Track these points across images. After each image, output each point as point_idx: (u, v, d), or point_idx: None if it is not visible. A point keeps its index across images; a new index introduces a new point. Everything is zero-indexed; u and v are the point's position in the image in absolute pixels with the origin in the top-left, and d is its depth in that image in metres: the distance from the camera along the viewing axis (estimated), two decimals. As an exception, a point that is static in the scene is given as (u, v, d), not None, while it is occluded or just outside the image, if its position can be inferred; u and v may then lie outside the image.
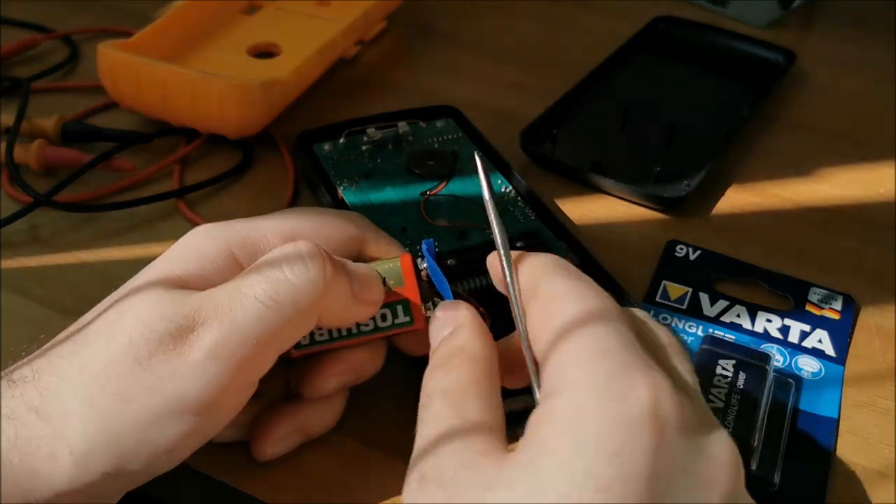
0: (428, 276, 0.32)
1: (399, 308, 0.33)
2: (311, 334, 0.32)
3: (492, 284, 0.38)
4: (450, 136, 0.50)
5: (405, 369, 0.35)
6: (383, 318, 0.33)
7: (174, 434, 0.28)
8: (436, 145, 0.49)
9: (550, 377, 0.25)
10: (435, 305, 0.32)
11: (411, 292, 0.32)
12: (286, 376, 0.34)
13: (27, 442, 0.27)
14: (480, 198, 0.45)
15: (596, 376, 0.24)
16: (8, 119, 0.49)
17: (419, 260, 0.33)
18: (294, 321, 0.29)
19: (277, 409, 0.33)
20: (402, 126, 0.49)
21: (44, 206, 0.45)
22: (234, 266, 0.31)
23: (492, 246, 0.39)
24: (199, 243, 0.31)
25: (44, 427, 0.27)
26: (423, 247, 0.32)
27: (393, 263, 0.33)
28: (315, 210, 0.34)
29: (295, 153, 0.49)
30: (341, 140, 0.49)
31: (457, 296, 0.33)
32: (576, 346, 0.25)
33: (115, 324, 0.29)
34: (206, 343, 0.28)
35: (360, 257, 0.33)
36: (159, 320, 0.28)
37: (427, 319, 0.32)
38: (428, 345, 0.30)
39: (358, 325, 0.32)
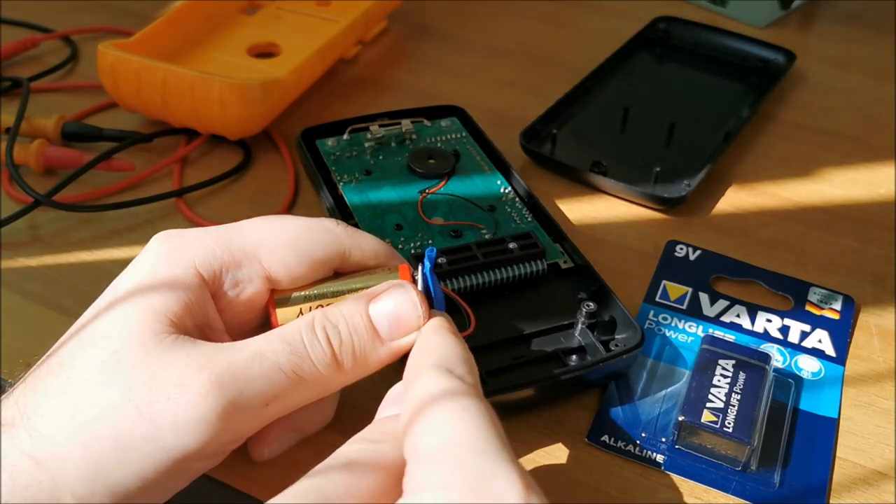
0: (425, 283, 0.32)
1: None
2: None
3: (482, 284, 0.39)
4: (453, 136, 0.50)
5: (401, 371, 0.35)
6: None
7: (168, 479, 0.28)
8: (438, 144, 0.49)
9: (417, 474, 0.25)
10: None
11: None
12: None
13: (24, 487, 0.26)
14: (478, 198, 0.45)
15: (463, 475, 0.23)
16: (8, 119, 0.49)
17: (415, 272, 0.32)
18: (312, 394, 0.29)
19: None
20: (406, 124, 0.49)
21: (44, 206, 0.45)
22: (202, 288, 0.30)
23: (489, 245, 0.40)
24: (169, 268, 0.30)
25: (41, 472, 0.27)
26: (427, 255, 0.31)
27: (393, 278, 0.31)
28: (288, 224, 0.32)
29: (297, 147, 0.49)
30: (345, 136, 0.49)
31: (449, 297, 0.33)
32: (438, 437, 0.25)
33: (110, 368, 0.28)
34: (216, 401, 0.27)
35: (342, 266, 0.32)
36: (161, 367, 0.27)
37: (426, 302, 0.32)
38: None
39: None
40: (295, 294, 0.32)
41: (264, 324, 0.32)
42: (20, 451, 0.27)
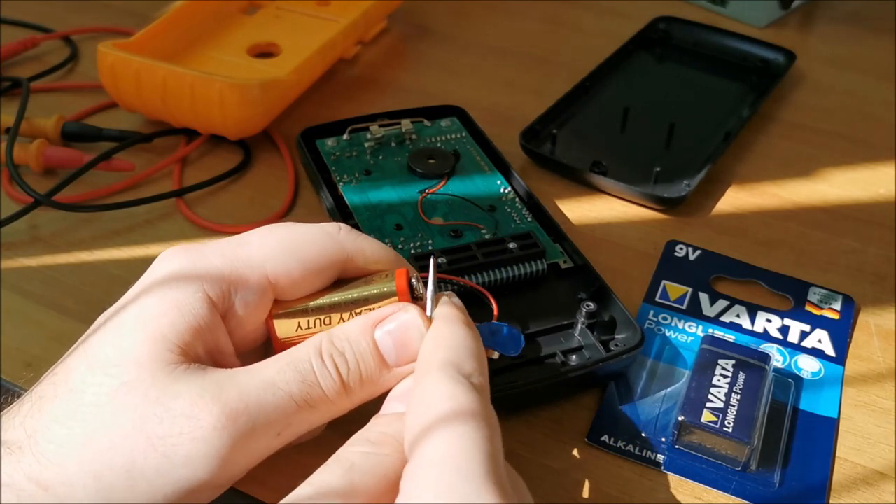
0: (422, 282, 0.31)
1: None
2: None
3: (482, 284, 0.39)
4: (453, 136, 0.50)
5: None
6: None
7: None
8: (438, 144, 0.49)
9: (410, 484, 0.25)
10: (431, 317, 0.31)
11: None
12: None
13: None
14: (478, 198, 0.45)
15: (448, 496, 0.24)
16: (8, 119, 0.49)
17: (413, 279, 0.31)
18: (320, 418, 0.29)
19: None
20: (406, 124, 0.49)
21: (44, 206, 0.45)
22: (212, 311, 0.29)
23: (489, 245, 0.40)
24: (179, 293, 0.29)
25: (48, 497, 0.26)
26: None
27: (388, 287, 0.31)
28: (291, 231, 0.31)
29: (297, 147, 0.49)
30: (345, 136, 0.49)
31: (468, 288, 0.32)
32: (434, 449, 0.25)
33: (121, 398, 0.27)
34: (229, 435, 0.27)
35: (345, 272, 0.32)
36: (173, 399, 0.27)
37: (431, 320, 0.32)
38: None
39: None
40: (293, 307, 0.31)
41: (267, 339, 0.32)
42: (27, 475, 0.27)
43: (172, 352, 0.28)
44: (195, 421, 0.27)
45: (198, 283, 0.29)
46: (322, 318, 0.31)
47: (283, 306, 0.31)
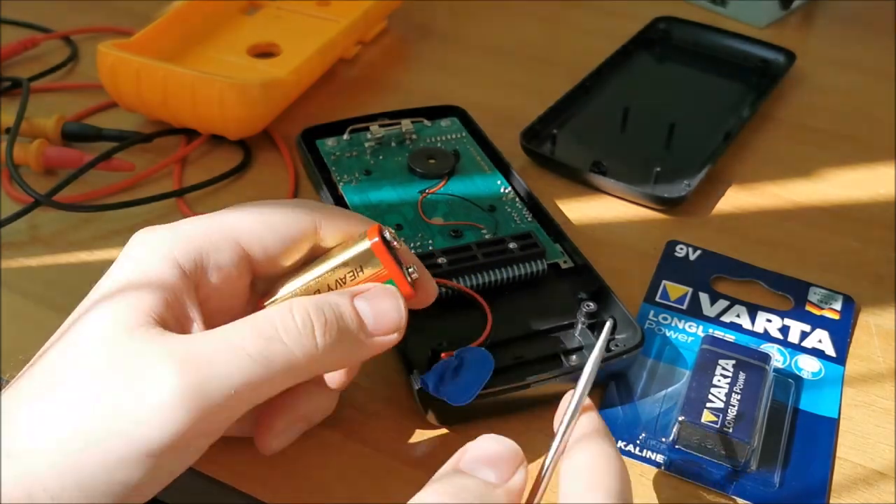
0: (396, 241, 0.31)
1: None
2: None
3: (482, 284, 0.39)
4: (453, 136, 0.50)
5: (401, 371, 0.35)
6: None
7: (140, 475, 0.27)
8: (438, 144, 0.49)
9: None
10: (412, 269, 0.32)
11: (391, 269, 0.31)
12: None
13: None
14: (478, 198, 0.45)
15: None
16: (8, 119, 0.49)
17: (386, 233, 0.31)
18: (283, 380, 0.29)
19: (275, 402, 0.33)
20: (406, 124, 0.49)
21: (44, 206, 0.45)
22: (184, 280, 0.30)
23: (489, 245, 0.40)
24: (148, 264, 0.30)
25: (12, 465, 0.27)
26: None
27: (364, 247, 0.31)
28: (261, 206, 0.32)
29: (297, 147, 0.49)
30: (345, 136, 0.49)
31: (464, 294, 0.33)
32: None
33: (85, 365, 0.28)
34: (180, 391, 0.27)
35: (316, 249, 0.32)
36: (135, 359, 0.27)
37: (413, 284, 0.32)
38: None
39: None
40: (282, 291, 0.32)
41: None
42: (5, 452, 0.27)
43: (139, 319, 0.28)
44: (148, 381, 0.27)
45: (169, 254, 0.30)
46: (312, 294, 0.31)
47: (271, 295, 0.32)
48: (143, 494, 0.28)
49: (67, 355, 0.28)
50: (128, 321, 0.28)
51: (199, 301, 0.30)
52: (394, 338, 0.31)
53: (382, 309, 0.30)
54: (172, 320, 0.29)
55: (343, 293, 0.30)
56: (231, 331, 0.28)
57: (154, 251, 0.30)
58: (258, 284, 0.33)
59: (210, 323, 0.31)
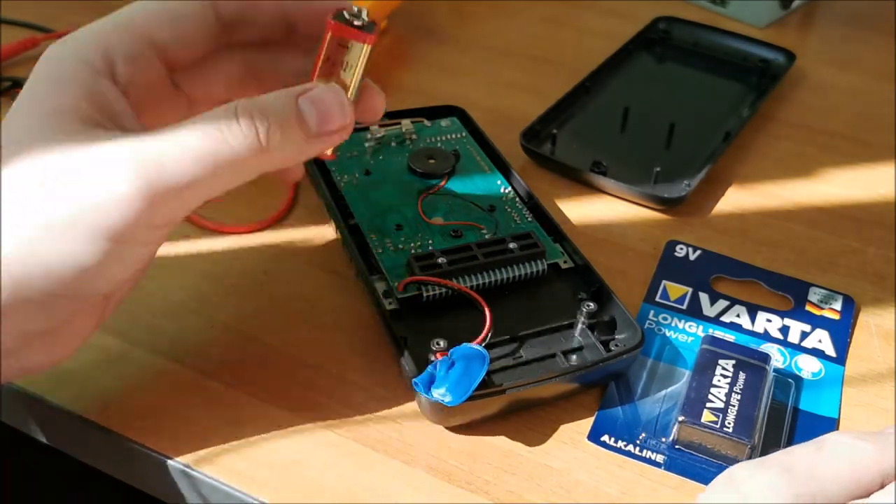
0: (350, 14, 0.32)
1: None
2: None
3: (482, 284, 0.39)
4: (453, 136, 0.50)
5: (401, 371, 0.35)
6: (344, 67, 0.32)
7: (99, 258, 0.28)
8: (438, 144, 0.49)
9: None
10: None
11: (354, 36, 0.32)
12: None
13: None
14: (478, 198, 0.45)
15: None
16: (8, 119, 0.49)
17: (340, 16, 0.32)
18: (231, 176, 0.30)
19: None
20: (406, 124, 0.49)
21: (44, 206, 0.45)
22: (95, 75, 0.30)
23: (489, 245, 0.40)
24: (58, 71, 0.30)
25: None
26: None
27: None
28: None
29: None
30: (344, 137, 0.49)
31: (463, 294, 0.33)
32: None
33: (28, 161, 0.28)
34: (136, 184, 0.28)
35: (224, 19, 0.33)
36: (80, 152, 0.28)
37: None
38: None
39: None
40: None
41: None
42: None
43: (73, 121, 0.29)
44: (100, 171, 0.28)
45: (68, 53, 0.30)
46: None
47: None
48: (99, 281, 0.29)
49: (11, 153, 0.28)
50: (65, 125, 0.29)
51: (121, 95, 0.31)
52: (336, 137, 0.32)
53: (326, 107, 0.31)
54: (104, 118, 0.30)
55: (289, 93, 0.31)
56: (181, 132, 0.29)
57: (60, 60, 0.30)
58: (181, 78, 0.34)
59: (142, 118, 0.32)
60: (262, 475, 0.33)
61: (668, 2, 0.66)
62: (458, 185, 0.46)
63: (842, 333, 0.40)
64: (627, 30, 0.61)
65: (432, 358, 0.34)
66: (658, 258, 0.44)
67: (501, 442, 0.35)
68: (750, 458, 0.34)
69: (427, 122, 0.50)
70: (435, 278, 0.38)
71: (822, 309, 0.41)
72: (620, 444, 0.35)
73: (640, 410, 0.36)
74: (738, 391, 0.35)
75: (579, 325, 0.38)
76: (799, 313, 0.41)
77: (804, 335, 0.40)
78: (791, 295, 0.42)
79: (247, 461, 0.34)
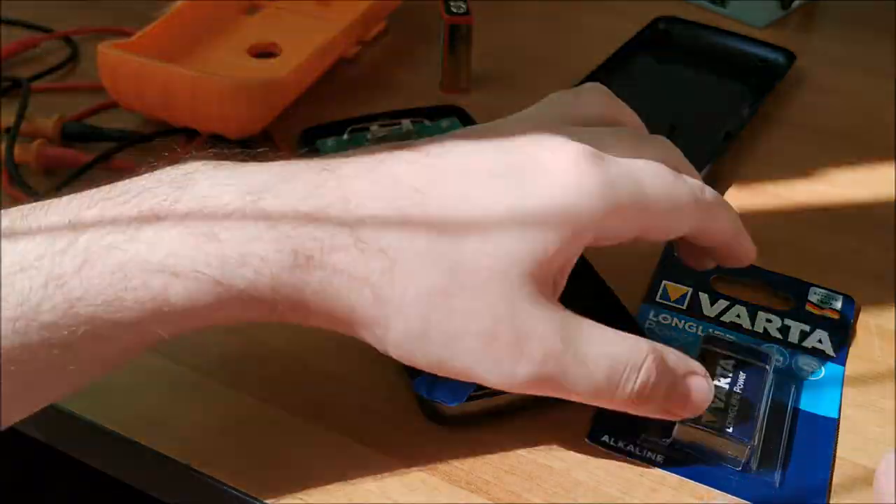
0: None
1: None
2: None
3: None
4: (451, 136, 0.49)
5: (401, 372, 0.35)
6: None
7: None
8: (437, 145, 0.49)
9: None
10: None
11: None
12: None
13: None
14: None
15: None
16: (8, 119, 0.49)
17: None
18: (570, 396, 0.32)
19: None
20: (406, 124, 0.49)
21: (44, 206, 0.45)
22: (580, 247, 0.32)
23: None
24: (580, 207, 0.31)
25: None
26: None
27: None
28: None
29: (298, 147, 0.49)
30: (345, 136, 0.49)
31: None
32: None
33: (476, 296, 0.29)
34: (534, 376, 0.30)
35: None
36: (522, 313, 0.29)
37: None
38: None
39: None
40: None
41: None
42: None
43: (539, 272, 0.30)
44: (524, 358, 0.29)
45: (598, 208, 0.31)
46: None
47: None
48: None
49: (459, 277, 0.29)
50: (531, 269, 0.29)
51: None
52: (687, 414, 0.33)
53: (700, 396, 0.32)
54: (552, 277, 0.31)
55: (685, 369, 0.32)
56: (598, 345, 0.30)
57: (590, 196, 0.31)
58: None
59: None
60: (261, 475, 0.33)
61: (668, 2, 0.66)
62: (458, 185, 0.46)
63: (842, 333, 0.40)
64: (627, 30, 0.61)
65: None
66: (658, 258, 0.44)
67: (501, 442, 0.35)
68: (750, 458, 0.34)
69: (427, 122, 0.50)
70: None
71: (822, 309, 0.41)
72: (620, 444, 0.35)
73: (640, 410, 0.36)
74: (738, 391, 0.35)
75: (579, 325, 0.38)
76: (799, 313, 0.41)
77: (804, 335, 0.40)
78: (791, 295, 0.42)
79: (246, 460, 0.34)
